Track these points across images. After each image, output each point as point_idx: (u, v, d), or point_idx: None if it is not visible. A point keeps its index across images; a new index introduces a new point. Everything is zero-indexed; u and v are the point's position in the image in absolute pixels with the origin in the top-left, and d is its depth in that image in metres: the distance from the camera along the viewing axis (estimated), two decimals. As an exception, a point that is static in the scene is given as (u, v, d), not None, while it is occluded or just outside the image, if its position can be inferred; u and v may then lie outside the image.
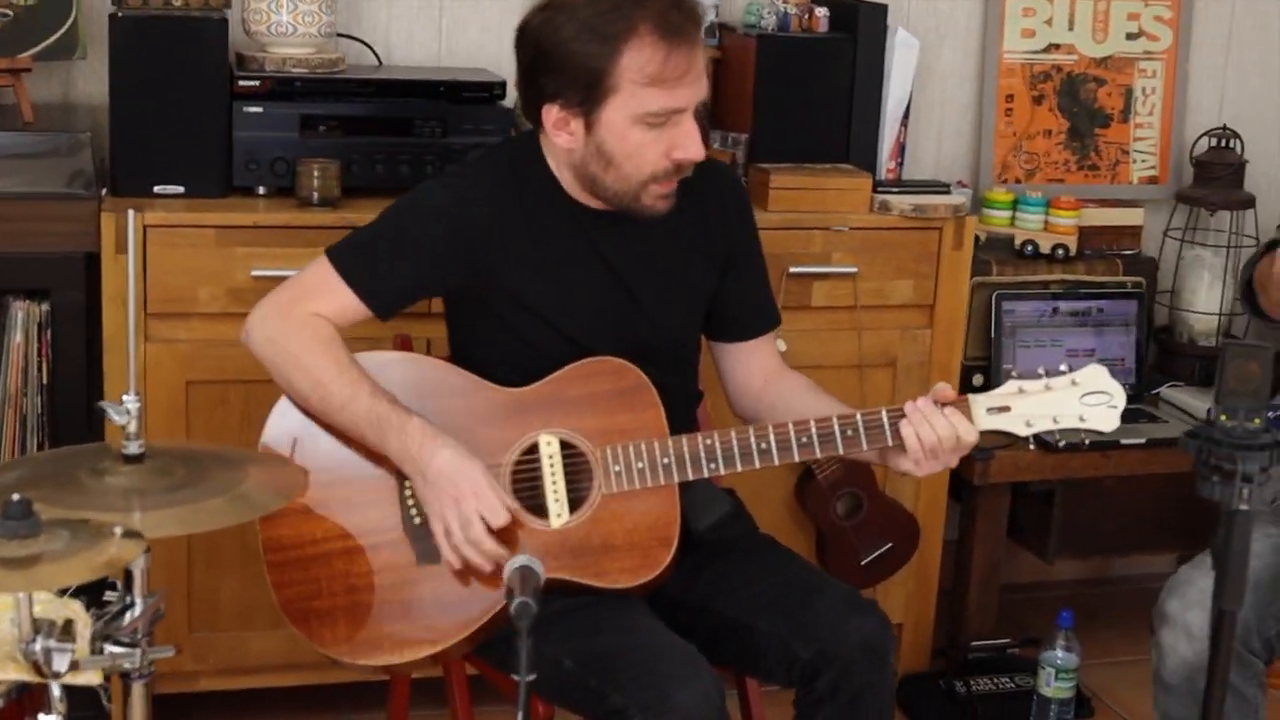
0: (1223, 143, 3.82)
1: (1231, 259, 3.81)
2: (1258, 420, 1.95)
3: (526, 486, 2.38)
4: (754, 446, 2.38)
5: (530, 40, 2.36)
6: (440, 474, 2.30)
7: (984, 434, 2.38)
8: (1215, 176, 3.81)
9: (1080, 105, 3.86)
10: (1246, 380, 1.95)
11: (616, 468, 2.37)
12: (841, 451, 2.39)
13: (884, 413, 2.37)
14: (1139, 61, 3.88)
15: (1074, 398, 2.37)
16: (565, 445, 2.39)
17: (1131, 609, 4.01)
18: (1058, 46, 3.82)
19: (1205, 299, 3.84)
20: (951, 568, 3.62)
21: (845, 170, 3.37)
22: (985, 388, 3.61)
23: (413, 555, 2.37)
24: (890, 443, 2.37)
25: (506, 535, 2.33)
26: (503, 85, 3.22)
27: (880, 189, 3.35)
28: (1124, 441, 3.43)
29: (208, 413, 3.03)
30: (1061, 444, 2.38)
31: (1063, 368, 2.39)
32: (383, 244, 2.44)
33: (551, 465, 2.37)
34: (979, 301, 3.56)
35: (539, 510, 2.37)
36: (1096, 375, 2.38)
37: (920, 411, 2.35)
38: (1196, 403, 3.62)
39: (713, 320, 2.61)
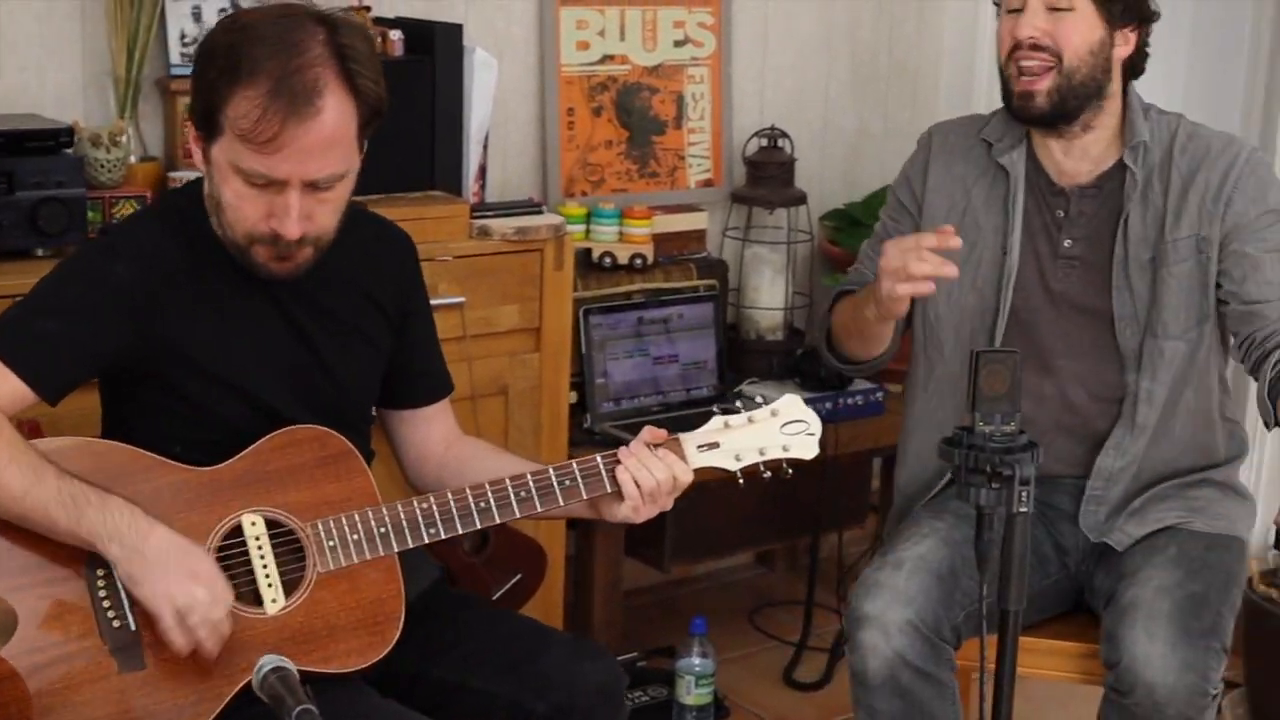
0: (772, 142, 3.94)
1: (789, 255, 3.94)
2: (1012, 424, 2.01)
3: (234, 574, 2.17)
4: (473, 506, 2.27)
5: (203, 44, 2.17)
6: (162, 549, 2.08)
7: (697, 472, 2.36)
8: (768, 175, 3.92)
9: (636, 114, 3.89)
10: (998, 385, 2.00)
11: (330, 543, 2.21)
12: (561, 503, 2.31)
13: (599, 460, 2.32)
14: (687, 68, 3.94)
15: (775, 428, 2.40)
16: (272, 524, 2.20)
17: (718, 605, 4.09)
18: (612, 57, 3.83)
19: (768, 295, 3.94)
20: (572, 587, 3.58)
21: (438, 198, 3.27)
22: (580, 404, 3.60)
23: (114, 664, 2.12)
24: (609, 489, 2.32)
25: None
26: (69, 131, 2.93)
27: (476, 214, 3.26)
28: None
29: None
30: (767, 475, 2.39)
31: (759, 399, 2.40)
32: (42, 321, 2.16)
33: (260, 547, 2.18)
34: (566, 318, 3.53)
35: (251, 598, 2.17)
36: (792, 405, 2.42)
37: (635, 456, 2.31)
38: (778, 395, 3.70)
39: (391, 388, 2.46)
